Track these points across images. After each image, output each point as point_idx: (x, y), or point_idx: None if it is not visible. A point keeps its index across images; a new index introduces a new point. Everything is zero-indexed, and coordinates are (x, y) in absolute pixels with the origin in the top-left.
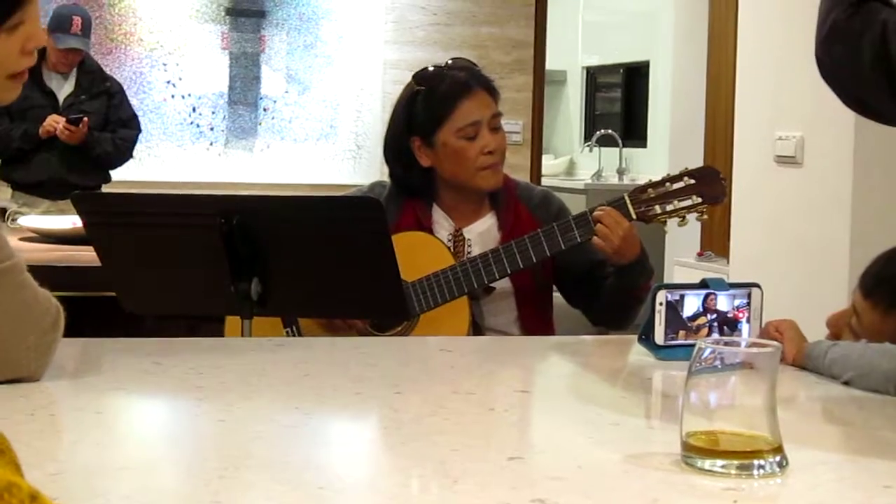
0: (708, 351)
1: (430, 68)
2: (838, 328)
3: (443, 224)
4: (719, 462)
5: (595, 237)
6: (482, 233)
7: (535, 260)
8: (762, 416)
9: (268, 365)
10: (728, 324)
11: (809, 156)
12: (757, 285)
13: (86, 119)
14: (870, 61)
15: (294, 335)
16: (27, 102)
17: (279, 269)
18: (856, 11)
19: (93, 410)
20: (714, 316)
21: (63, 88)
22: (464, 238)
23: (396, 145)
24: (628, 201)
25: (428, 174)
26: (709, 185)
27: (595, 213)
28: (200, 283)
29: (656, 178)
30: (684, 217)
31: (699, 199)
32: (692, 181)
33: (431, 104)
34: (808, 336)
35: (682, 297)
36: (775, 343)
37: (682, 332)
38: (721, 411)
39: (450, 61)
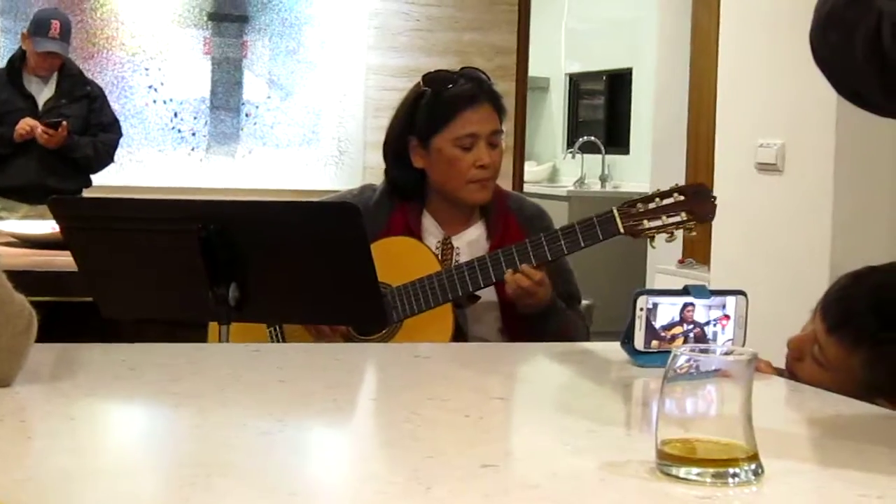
0: (683, 359)
1: (441, 71)
2: (801, 352)
3: (432, 231)
4: (694, 470)
5: (512, 283)
6: (471, 241)
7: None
8: (738, 424)
9: (244, 371)
10: (706, 335)
11: (790, 163)
12: (742, 293)
13: (65, 123)
14: (863, 51)
15: (278, 337)
16: (6, 106)
17: (257, 275)
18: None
19: (65, 416)
20: (690, 327)
21: (43, 92)
22: (452, 246)
23: (395, 143)
24: (617, 215)
25: (421, 176)
26: (698, 203)
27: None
28: (178, 289)
29: (639, 184)
30: (672, 233)
31: (688, 216)
32: (682, 198)
33: (434, 108)
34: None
35: (655, 305)
36: (751, 350)
37: (654, 342)
38: (696, 419)
39: (462, 69)
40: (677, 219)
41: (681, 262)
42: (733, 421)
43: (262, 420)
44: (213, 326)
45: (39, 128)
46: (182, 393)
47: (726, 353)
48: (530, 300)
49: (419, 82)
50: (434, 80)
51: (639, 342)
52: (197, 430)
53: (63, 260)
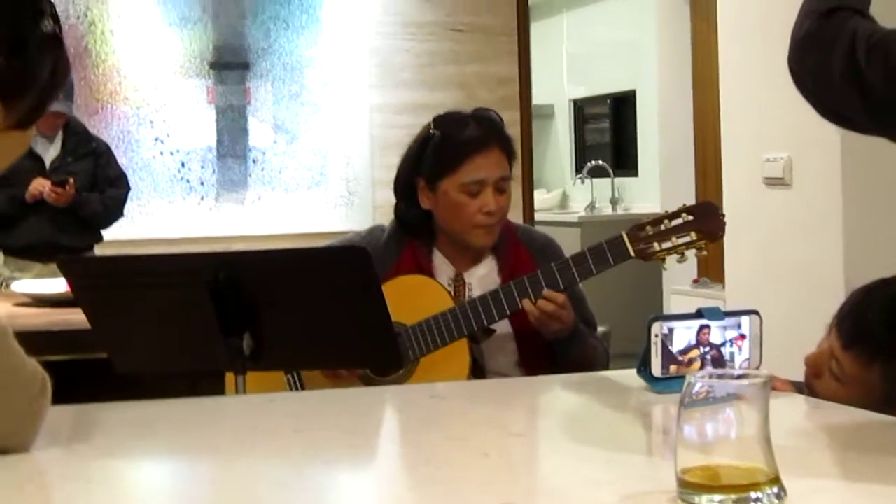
0: (698, 385)
1: (452, 114)
2: (818, 369)
3: (443, 268)
4: (716, 497)
5: (536, 310)
6: (483, 276)
7: (534, 300)
8: (757, 447)
9: (260, 422)
10: (723, 356)
11: (798, 176)
12: (755, 312)
13: (71, 180)
14: (840, 71)
15: (296, 384)
16: (13, 167)
17: (270, 323)
18: (827, 21)
19: (83, 479)
20: (707, 349)
21: (49, 151)
22: (464, 282)
23: (404, 181)
24: (626, 240)
25: (428, 216)
26: (707, 221)
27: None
28: (192, 342)
29: (649, 205)
30: (683, 254)
31: (697, 236)
32: (690, 217)
33: (442, 152)
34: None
35: (671, 330)
36: (765, 373)
37: (672, 367)
38: (715, 445)
39: (474, 111)
40: (687, 239)
41: (695, 281)
42: (752, 444)
43: (280, 470)
44: (230, 376)
45: (48, 187)
46: (198, 448)
47: (740, 377)
48: (556, 325)
49: (430, 123)
50: (444, 123)
51: (656, 369)
52: (214, 485)
53: (79, 318)
